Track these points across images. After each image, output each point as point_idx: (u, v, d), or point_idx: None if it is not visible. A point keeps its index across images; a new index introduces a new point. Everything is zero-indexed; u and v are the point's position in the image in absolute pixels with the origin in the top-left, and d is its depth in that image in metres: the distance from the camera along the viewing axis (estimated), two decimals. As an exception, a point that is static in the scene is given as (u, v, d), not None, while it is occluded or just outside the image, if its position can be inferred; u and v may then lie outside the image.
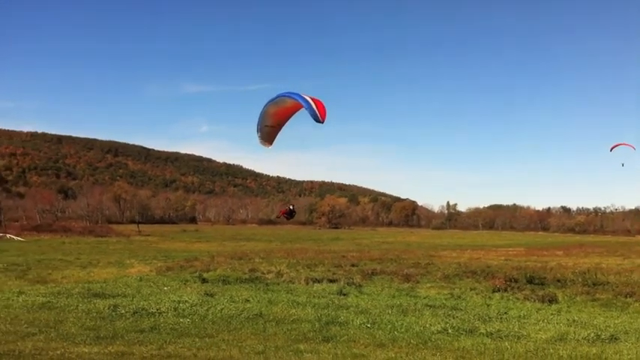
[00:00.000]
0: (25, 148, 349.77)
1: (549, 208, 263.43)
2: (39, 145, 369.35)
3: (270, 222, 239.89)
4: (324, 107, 17.01)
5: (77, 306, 16.85)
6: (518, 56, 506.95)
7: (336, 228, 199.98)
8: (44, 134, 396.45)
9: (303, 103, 16.51)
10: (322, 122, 17.55)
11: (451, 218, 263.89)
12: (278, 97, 17.62)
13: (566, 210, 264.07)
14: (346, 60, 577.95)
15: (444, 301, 20.49)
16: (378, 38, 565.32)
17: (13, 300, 17.96)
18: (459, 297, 22.43)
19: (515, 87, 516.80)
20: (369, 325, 14.52)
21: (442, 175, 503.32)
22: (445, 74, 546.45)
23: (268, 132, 18.73)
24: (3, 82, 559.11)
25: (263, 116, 18.10)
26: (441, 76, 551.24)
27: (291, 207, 32.21)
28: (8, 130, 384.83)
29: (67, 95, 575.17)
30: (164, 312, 15.93)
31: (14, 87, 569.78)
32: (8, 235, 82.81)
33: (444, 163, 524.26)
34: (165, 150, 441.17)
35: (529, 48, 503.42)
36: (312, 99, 16.82)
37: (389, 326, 14.49)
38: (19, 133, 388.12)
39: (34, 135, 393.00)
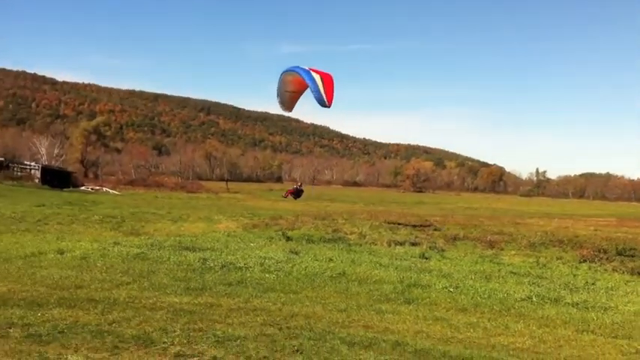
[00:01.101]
0: (123, 105, 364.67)
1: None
2: (136, 102, 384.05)
3: (355, 184, 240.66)
4: (332, 89, 16.38)
5: (169, 258, 17.55)
6: (614, 17, 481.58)
7: (420, 192, 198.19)
8: (141, 92, 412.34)
9: (310, 85, 15.89)
10: (329, 107, 17.05)
11: (540, 186, 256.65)
12: (289, 70, 17.11)
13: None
14: (439, 22, 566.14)
15: (528, 269, 20.13)
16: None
17: (108, 250, 18.79)
18: (545, 265, 21.98)
19: (609, 50, 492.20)
20: (451, 290, 14.49)
21: (532, 141, 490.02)
22: (535, 35, 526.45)
23: (289, 97, 18.26)
24: (107, 40, 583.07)
25: (282, 82, 17.61)
26: (531, 38, 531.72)
27: (298, 186, 32.18)
28: (108, 88, 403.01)
29: (164, 54, 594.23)
30: (251, 267, 16.38)
31: (117, 45, 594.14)
32: (105, 189, 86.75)
33: (534, 128, 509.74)
34: (256, 110, 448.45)
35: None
36: (323, 76, 16.08)
37: (471, 291, 14.41)
38: (118, 91, 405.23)
39: (131, 92, 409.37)
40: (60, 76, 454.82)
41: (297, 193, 32.69)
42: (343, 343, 8.93)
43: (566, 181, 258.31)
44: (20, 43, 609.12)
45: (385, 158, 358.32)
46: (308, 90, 17.59)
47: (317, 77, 15.95)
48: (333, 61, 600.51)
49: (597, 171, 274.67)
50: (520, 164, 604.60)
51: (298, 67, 16.69)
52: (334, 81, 16.68)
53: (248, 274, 15.36)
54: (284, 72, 17.22)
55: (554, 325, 11.79)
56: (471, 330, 10.83)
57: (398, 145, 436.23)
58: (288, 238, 25.82)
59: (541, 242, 29.74)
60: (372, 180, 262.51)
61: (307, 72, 16.14)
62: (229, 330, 9.28)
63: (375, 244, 26.10)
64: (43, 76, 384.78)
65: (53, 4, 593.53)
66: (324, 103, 15.98)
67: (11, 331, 8.49)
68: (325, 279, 15.29)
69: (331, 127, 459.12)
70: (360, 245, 25.51)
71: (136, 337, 8.46)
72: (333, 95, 16.29)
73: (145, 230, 28.98)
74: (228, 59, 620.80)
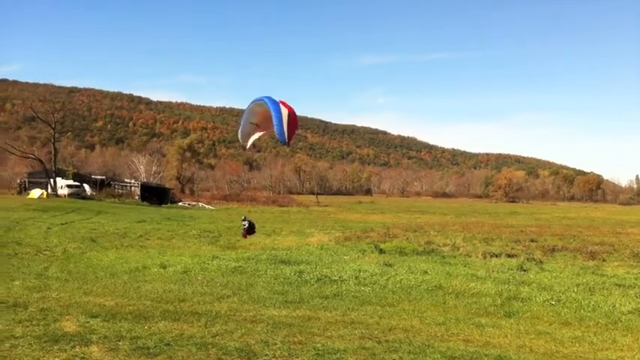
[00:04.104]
0: (215, 122, 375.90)
1: None
2: (227, 119, 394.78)
3: (444, 195, 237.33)
4: (295, 128, 15.63)
5: (266, 271, 17.88)
6: None
7: (513, 202, 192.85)
8: (231, 109, 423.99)
9: (275, 117, 15.05)
10: (287, 146, 16.35)
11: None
12: (259, 99, 15.91)
13: None
14: (526, 29, 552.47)
15: (634, 281, 19.17)
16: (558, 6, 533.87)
17: (208, 264, 19.33)
18: (651, 277, 20.91)
19: None
20: (553, 303, 14.02)
21: (632, 146, 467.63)
22: (628, 36, 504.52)
23: (251, 129, 16.98)
24: (197, 60, 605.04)
25: (248, 112, 16.50)
26: (624, 39, 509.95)
27: (245, 224, 31.31)
28: (200, 106, 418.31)
29: (251, 71, 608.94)
30: (346, 280, 16.44)
31: (207, 64, 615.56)
32: (200, 204, 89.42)
33: (633, 133, 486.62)
34: (342, 123, 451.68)
35: None
36: (291, 112, 15.15)
37: (574, 304, 13.89)
38: (210, 109, 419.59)
39: (222, 110, 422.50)
40: (154, 96, 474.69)
41: (250, 229, 32.08)
42: (443, 357, 8.81)
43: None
44: (117, 66, 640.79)
45: (475, 168, 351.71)
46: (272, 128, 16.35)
47: (284, 112, 15.23)
48: (416, 70, 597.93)
49: None
50: (619, 171, 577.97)
51: (269, 97, 15.85)
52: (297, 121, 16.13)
53: (344, 287, 15.43)
54: (253, 101, 16.24)
55: (665, 339, 11.20)
56: (577, 344, 10.45)
57: (488, 154, 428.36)
58: (381, 251, 25.73)
59: (645, 252, 28.41)
60: (463, 191, 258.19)
61: (276, 104, 15.41)
62: (329, 343, 9.32)
63: (470, 257, 25.62)
64: (139, 97, 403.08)
65: (145, 28, 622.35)
66: (284, 140, 15.47)
67: (120, 343, 8.77)
68: (421, 292, 15.15)
69: (419, 138, 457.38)
70: (454, 257, 25.11)
71: (239, 350, 8.62)
72: (294, 135, 15.83)
73: (241, 244, 29.63)
74: (313, 73, 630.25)
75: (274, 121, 15.33)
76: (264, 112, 16.08)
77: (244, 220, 32.50)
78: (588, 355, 9.84)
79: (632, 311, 13.39)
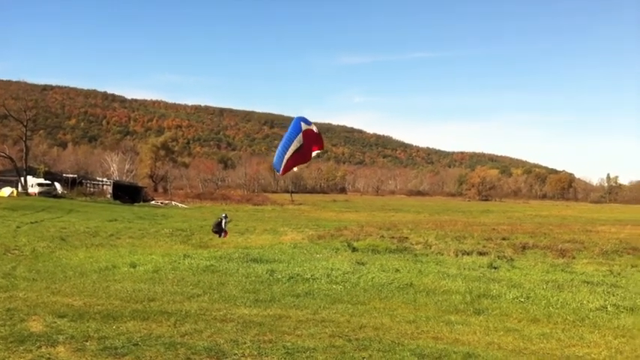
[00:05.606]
0: (190, 120, 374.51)
1: None
2: (202, 117, 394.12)
3: (419, 193, 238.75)
4: (298, 162, 15.29)
5: (237, 270, 17.73)
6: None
7: (487, 200, 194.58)
8: (207, 107, 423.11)
9: (282, 145, 14.70)
10: (280, 175, 16.16)
11: (611, 192, 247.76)
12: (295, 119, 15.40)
13: None
14: (502, 29, 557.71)
15: (602, 278, 19.43)
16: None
17: (179, 263, 19.10)
18: (619, 274, 21.21)
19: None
20: (522, 300, 14.13)
21: (602, 146, 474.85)
22: (600, 37, 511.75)
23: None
24: (173, 58, 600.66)
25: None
26: (597, 39, 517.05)
27: (222, 218, 31.20)
28: (175, 104, 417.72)
29: (228, 69, 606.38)
30: (318, 278, 16.39)
31: (183, 62, 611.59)
32: (173, 203, 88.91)
33: (604, 132, 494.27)
34: (318, 121, 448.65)
35: None
36: (306, 145, 14.44)
37: (543, 301, 14.01)
38: (185, 107, 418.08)
39: (197, 108, 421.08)
40: (129, 94, 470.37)
41: (218, 231, 31.57)
42: (413, 354, 8.84)
43: (639, 186, 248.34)
44: (91, 64, 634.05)
45: (449, 167, 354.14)
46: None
47: (296, 142, 14.63)
48: (393, 70, 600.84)
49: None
50: (590, 170, 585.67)
51: (300, 120, 15.09)
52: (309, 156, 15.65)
53: (315, 286, 15.39)
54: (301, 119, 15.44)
55: (631, 335, 11.36)
56: (544, 341, 10.55)
57: (462, 153, 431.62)
58: (354, 249, 25.76)
59: (614, 250, 28.89)
60: (437, 189, 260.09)
61: (297, 130, 14.76)
62: (299, 341, 9.30)
63: (442, 254, 25.79)
64: (113, 94, 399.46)
65: (120, 26, 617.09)
66: (278, 169, 15.31)
67: (87, 344, 8.65)
68: (392, 290, 15.17)
69: (394, 137, 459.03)
70: (427, 255, 25.25)
71: (207, 349, 8.56)
72: (291, 168, 15.61)
73: (213, 243, 29.48)
74: (290, 72, 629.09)
75: (279, 146, 15.02)
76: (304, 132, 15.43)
77: (225, 217, 32.19)
78: (556, 351, 9.94)
79: (600, 308, 13.54)
